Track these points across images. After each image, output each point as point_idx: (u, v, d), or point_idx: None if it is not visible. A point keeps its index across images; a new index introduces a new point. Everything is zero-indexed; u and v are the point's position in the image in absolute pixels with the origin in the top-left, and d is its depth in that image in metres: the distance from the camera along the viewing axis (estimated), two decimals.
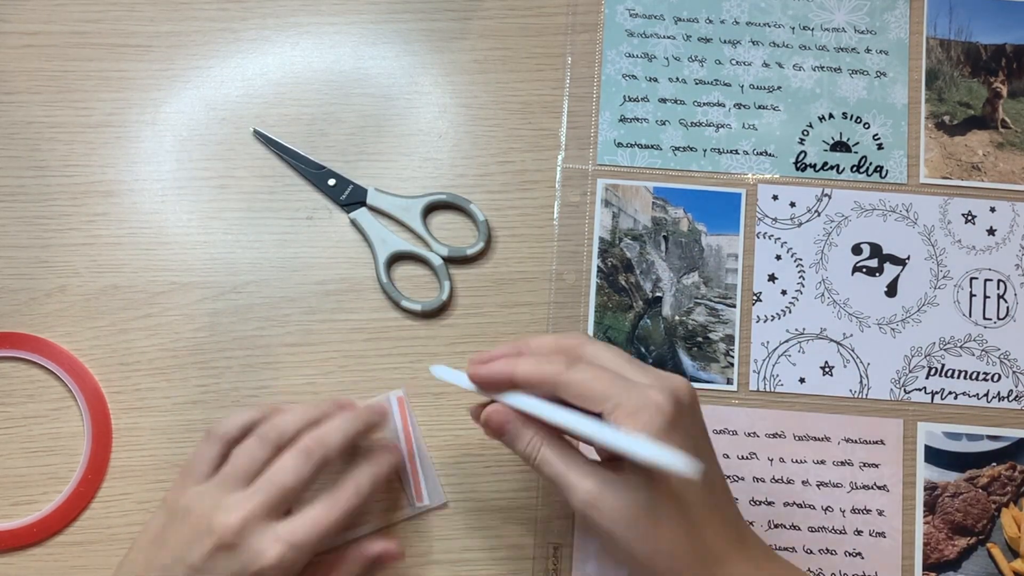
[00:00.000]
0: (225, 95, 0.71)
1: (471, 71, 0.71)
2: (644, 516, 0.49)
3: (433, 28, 0.72)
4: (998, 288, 0.68)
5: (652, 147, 0.70)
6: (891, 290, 0.68)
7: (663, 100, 0.71)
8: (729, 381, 0.67)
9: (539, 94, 0.71)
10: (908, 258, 0.69)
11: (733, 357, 0.67)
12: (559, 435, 0.52)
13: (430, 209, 0.69)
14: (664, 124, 0.71)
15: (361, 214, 0.69)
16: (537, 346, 0.54)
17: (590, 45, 0.72)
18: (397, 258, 0.69)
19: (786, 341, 0.68)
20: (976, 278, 0.68)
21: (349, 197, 0.69)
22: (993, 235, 0.69)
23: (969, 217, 0.69)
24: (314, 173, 0.70)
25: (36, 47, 0.71)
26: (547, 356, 0.53)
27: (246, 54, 0.72)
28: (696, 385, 0.67)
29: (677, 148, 0.70)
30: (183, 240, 0.69)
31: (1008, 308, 0.68)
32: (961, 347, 0.68)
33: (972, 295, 0.68)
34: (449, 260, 0.68)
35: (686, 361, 0.67)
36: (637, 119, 0.71)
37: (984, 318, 0.68)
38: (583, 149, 0.70)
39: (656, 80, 0.71)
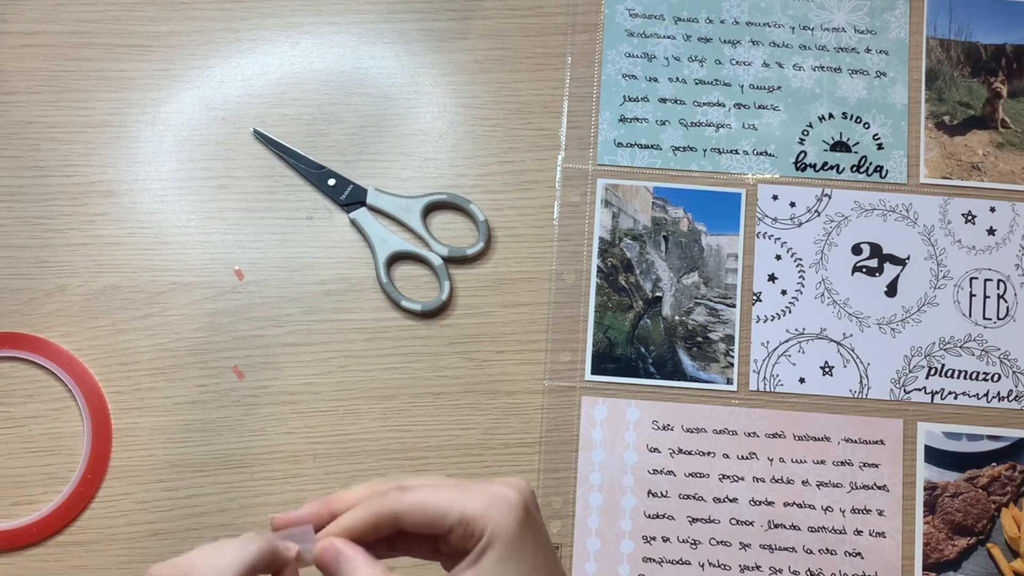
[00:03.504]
0: (225, 95, 0.71)
1: (471, 71, 0.71)
2: None
3: (433, 28, 0.72)
4: (998, 288, 0.68)
5: (652, 147, 0.70)
6: (891, 290, 0.68)
7: (663, 100, 0.71)
8: (729, 381, 0.67)
9: (539, 94, 0.71)
10: (908, 258, 0.69)
11: (733, 357, 0.67)
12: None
13: (430, 209, 0.69)
14: (664, 124, 0.70)
15: (361, 214, 0.69)
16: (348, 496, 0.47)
17: (590, 45, 0.72)
18: (397, 258, 0.69)
19: (786, 341, 0.68)
20: (976, 278, 0.68)
21: (349, 197, 0.69)
22: (993, 235, 0.69)
23: (969, 217, 0.69)
24: (314, 173, 0.70)
25: (36, 47, 0.71)
26: (370, 491, 0.46)
27: (246, 54, 0.72)
28: (696, 385, 0.67)
29: (677, 148, 0.70)
30: (183, 240, 0.69)
31: (1008, 308, 0.68)
32: (961, 347, 0.68)
33: (972, 295, 0.68)
34: (449, 260, 0.68)
35: (686, 361, 0.67)
36: (637, 119, 0.71)
37: (984, 318, 0.68)
38: (583, 149, 0.70)
39: (656, 80, 0.71)
